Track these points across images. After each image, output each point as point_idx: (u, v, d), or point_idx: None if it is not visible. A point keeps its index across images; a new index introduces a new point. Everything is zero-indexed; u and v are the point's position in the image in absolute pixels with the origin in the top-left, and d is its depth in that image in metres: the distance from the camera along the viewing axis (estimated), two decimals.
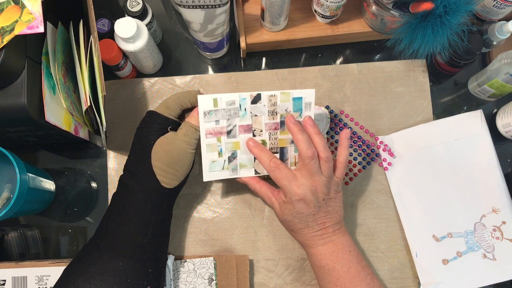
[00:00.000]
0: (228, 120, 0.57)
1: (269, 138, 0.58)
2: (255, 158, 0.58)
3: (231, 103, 0.56)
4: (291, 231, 0.58)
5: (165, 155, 0.54)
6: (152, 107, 0.68)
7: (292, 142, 0.58)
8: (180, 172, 0.56)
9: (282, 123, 0.57)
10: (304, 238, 0.56)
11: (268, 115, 0.57)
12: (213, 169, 0.58)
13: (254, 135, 0.58)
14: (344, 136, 0.57)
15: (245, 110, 0.57)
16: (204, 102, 0.55)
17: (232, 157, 0.58)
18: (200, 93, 0.57)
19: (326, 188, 0.54)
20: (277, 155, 0.58)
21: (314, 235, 0.55)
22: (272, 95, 0.56)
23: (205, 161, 0.58)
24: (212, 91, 0.70)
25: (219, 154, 0.58)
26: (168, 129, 0.56)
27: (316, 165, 0.54)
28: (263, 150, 0.56)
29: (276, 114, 0.57)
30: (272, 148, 0.58)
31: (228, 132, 0.57)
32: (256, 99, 0.56)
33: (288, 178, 0.54)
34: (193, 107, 0.57)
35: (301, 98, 0.57)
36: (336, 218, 0.56)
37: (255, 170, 0.59)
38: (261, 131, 0.58)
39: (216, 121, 0.56)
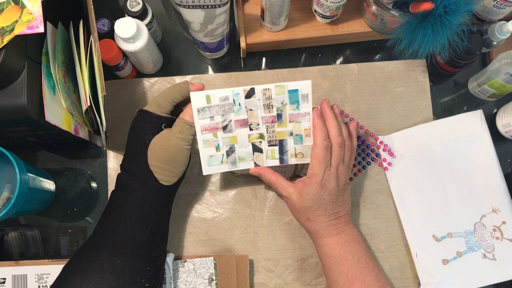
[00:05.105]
0: (223, 116, 0.56)
1: (267, 131, 0.58)
2: (253, 151, 0.58)
3: (225, 98, 0.56)
4: (306, 220, 0.58)
5: (162, 153, 0.54)
6: None
7: (291, 134, 0.58)
8: (178, 169, 0.56)
9: (279, 116, 0.57)
10: (319, 227, 0.57)
11: (264, 108, 0.57)
12: (211, 164, 0.58)
13: (251, 129, 0.57)
14: (352, 128, 0.61)
15: (239, 105, 0.56)
16: (197, 99, 0.55)
17: (230, 151, 0.58)
18: (189, 84, 0.56)
19: (345, 177, 0.57)
20: (276, 148, 0.58)
21: (329, 224, 0.56)
22: (266, 89, 0.56)
23: (203, 156, 0.58)
24: None
25: (216, 149, 0.58)
26: (162, 127, 0.56)
27: (342, 153, 0.56)
28: (322, 129, 0.56)
29: (272, 108, 0.57)
30: (270, 141, 0.58)
31: (224, 127, 0.57)
32: (250, 94, 0.56)
33: (326, 163, 0.55)
34: (184, 99, 0.57)
35: (297, 90, 0.56)
36: (347, 209, 0.59)
37: (254, 163, 0.59)
38: (258, 124, 0.57)
39: (210, 117, 0.56)
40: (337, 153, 0.56)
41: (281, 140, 0.58)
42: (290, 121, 0.57)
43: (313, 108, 0.57)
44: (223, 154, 0.58)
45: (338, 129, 0.56)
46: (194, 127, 0.56)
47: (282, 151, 0.58)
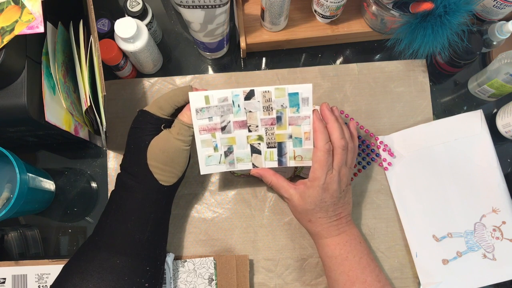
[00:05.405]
0: (222, 117, 0.56)
1: (266, 133, 0.57)
2: (252, 153, 0.58)
3: (224, 99, 0.55)
4: (308, 222, 0.58)
5: (161, 154, 0.54)
6: None
7: (290, 137, 0.58)
8: (177, 169, 0.56)
9: (279, 118, 0.57)
10: (320, 228, 0.57)
11: (263, 111, 0.56)
12: (209, 163, 0.58)
13: (249, 131, 0.57)
14: (352, 128, 0.60)
15: (238, 106, 0.56)
16: (196, 99, 0.55)
17: (228, 152, 0.58)
18: (192, 89, 0.56)
19: (347, 179, 0.57)
20: (275, 150, 0.58)
21: (330, 225, 0.57)
22: (266, 91, 0.56)
23: (201, 156, 0.58)
24: None
25: (214, 149, 0.57)
26: (162, 127, 0.55)
27: (345, 156, 0.56)
28: (323, 132, 0.55)
29: (272, 110, 0.56)
30: (269, 143, 0.58)
31: (223, 128, 0.57)
32: (249, 95, 0.56)
33: (328, 166, 0.55)
34: (186, 103, 0.57)
35: (297, 93, 0.56)
36: (349, 209, 0.59)
37: (252, 164, 0.59)
38: (257, 126, 0.57)
39: (209, 118, 0.56)
40: (339, 156, 0.55)
41: (280, 143, 0.58)
42: (289, 124, 0.57)
43: (312, 110, 0.57)
44: (221, 155, 0.58)
45: (341, 132, 0.56)
46: (193, 129, 0.56)
47: (281, 154, 0.58)
